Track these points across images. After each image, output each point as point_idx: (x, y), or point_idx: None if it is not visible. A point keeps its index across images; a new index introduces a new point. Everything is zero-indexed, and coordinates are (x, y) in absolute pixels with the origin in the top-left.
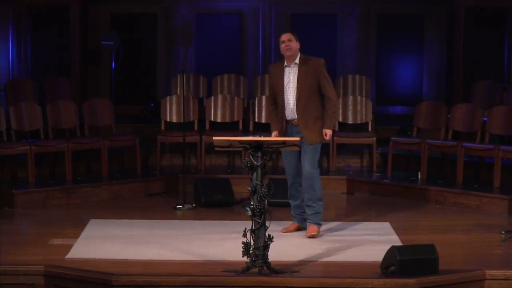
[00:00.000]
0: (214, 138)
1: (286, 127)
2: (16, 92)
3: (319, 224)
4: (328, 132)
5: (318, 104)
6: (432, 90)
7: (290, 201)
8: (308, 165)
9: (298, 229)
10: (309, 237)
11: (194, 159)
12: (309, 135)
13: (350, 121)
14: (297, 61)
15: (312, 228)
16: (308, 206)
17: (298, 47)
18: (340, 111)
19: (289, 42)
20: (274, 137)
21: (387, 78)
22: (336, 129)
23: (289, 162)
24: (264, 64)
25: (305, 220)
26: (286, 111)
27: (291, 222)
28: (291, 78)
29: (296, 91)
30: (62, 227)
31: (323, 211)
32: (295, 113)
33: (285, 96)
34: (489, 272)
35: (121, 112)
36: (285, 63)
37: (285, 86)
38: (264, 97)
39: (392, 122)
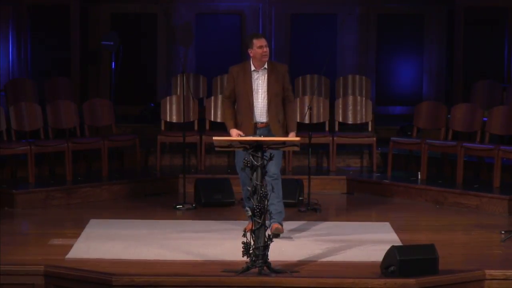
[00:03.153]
0: (214, 138)
1: (254, 130)
2: (16, 92)
3: (282, 224)
4: (293, 135)
5: (282, 108)
6: (432, 90)
7: (245, 202)
8: (275, 168)
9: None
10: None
11: (194, 159)
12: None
13: (350, 121)
14: (265, 66)
15: (276, 227)
16: (273, 204)
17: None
18: (340, 111)
19: (266, 48)
20: (235, 136)
21: (387, 78)
22: (337, 129)
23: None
24: None
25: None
26: (254, 115)
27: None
28: (260, 82)
29: (267, 96)
30: (62, 227)
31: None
32: (266, 117)
33: (254, 100)
34: (489, 272)
35: (121, 112)
36: (253, 67)
37: (254, 90)
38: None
39: (392, 122)
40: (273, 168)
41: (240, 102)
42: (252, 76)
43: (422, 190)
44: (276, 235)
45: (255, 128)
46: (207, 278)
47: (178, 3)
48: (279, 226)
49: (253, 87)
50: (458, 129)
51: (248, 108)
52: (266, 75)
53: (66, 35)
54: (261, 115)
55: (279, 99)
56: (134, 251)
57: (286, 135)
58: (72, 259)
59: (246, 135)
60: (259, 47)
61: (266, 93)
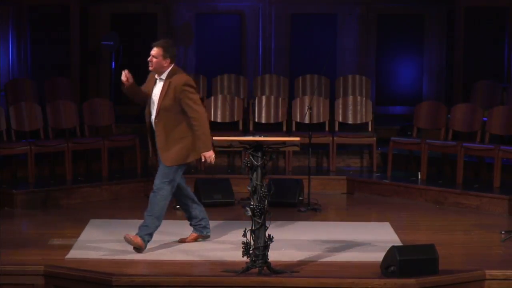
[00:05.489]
0: (214, 138)
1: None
2: (16, 92)
3: (144, 240)
4: (206, 155)
5: (181, 125)
6: (432, 90)
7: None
8: (157, 180)
9: (196, 239)
10: (125, 237)
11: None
12: (163, 155)
13: (350, 121)
14: (163, 76)
15: (134, 237)
16: (145, 216)
17: (166, 64)
18: (340, 111)
19: (152, 58)
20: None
21: (387, 78)
22: (337, 129)
23: None
24: (264, 64)
25: (205, 227)
26: (152, 121)
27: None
28: (157, 92)
29: (156, 106)
30: (62, 227)
31: (153, 230)
32: (155, 128)
33: (151, 108)
34: (489, 272)
35: (121, 112)
36: (156, 75)
37: (152, 99)
38: (264, 97)
39: (392, 122)
40: (156, 178)
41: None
42: (156, 83)
43: (422, 190)
44: (136, 249)
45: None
46: (207, 278)
47: (178, 3)
48: (139, 240)
49: (152, 95)
50: (458, 129)
51: (149, 114)
52: (161, 86)
53: (66, 35)
54: (154, 126)
55: (174, 114)
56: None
57: (174, 156)
58: (72, 259)
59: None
60: (150, 53)
61: (157, 103)
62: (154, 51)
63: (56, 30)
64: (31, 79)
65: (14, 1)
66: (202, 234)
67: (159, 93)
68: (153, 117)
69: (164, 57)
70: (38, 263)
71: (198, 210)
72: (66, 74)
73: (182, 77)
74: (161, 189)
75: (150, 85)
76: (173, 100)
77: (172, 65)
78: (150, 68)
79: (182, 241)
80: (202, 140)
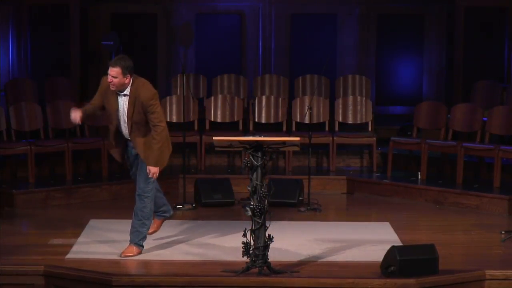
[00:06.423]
0: (214, 138)
1: (127, 143)
2: (16, 92)
3: (139, 245)
4: (151, 169)
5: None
6: (432, 90)
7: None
8: (141, 182)
9: (162, 223)
10: (122, 257)
11: (194, 159)
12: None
13: (350, 121)
14: (127, 92)
15: (129, 249)
16: (134, 221)
17: (127, 80)
18: (340, 111)
19: (112, 78)
20: (72, 116)
21: (387, 78)
22: (337, 129)
23: (133, 172)
24: (264, 64)
25: (167, 211)
26: (123, 132)
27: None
28: (123, 106)
29: (127, 122)
30: (62, 227)
31: (146, 233)
32: (131, 141)
33: (119, 121)
34: (489, 272)
35: None
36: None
37: (118, 112)
38: (264, 97)
39: (392, 122)
40: (140, 181)
41: (110, 116)
42: (117, 97)
43: (422, 190)
44: (126, 256)
45: (128, 142)
46: (207, 278)
47: (178, 3)
48: (135, 249)
49: (119, 109)
50: (458, 129)
51: (117, 125)
52: (127, 101)
53: (66, 35)
54: (126, 134)
55: (144, 126)
56: None
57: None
58: (72, 259)
59: (113, 146)
60: (108, 73)
61: (127, 120)
62: (113, 71)
63: (56, 30)
64: (31, 79)
65: (14, 1)
66: (166, 217)
67: (125, 108)
68: (126, 132)
69: (124, 74)
70: (38, 263)
71: (160, 198)
72: (66, 74)
73: (147, 91)
74: (147, 191)
75: (110, 100)
76: (143, 114)
77: (132, 77)
78: (113, 89)
79: (151, 232)
80: (155, 154)
